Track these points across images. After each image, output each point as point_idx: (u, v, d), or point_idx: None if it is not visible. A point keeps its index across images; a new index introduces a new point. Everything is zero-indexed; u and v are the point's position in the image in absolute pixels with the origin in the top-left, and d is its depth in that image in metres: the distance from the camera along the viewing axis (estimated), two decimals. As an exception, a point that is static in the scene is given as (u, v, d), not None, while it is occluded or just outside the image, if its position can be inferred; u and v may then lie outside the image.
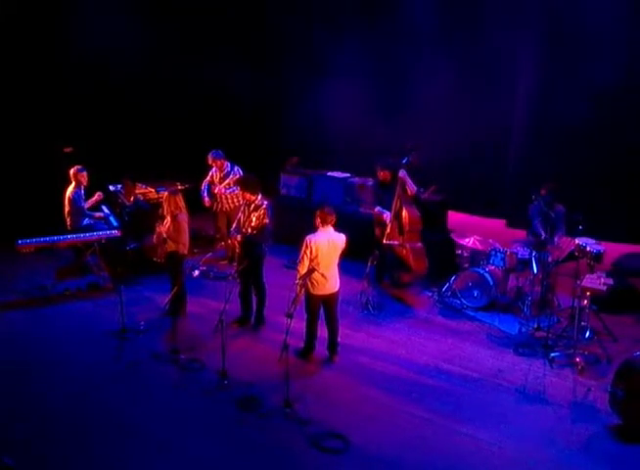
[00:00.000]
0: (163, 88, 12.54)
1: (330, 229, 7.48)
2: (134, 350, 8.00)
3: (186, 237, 8.51)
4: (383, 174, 9.39)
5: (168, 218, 8.41)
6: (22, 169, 11.29)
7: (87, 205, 10.02)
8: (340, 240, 7.52)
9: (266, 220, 8.24)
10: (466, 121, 11.55)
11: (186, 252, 8.62)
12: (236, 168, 10.49)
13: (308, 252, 7.31)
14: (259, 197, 8.29)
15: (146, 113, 12.30)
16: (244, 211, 8.36)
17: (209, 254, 10.69)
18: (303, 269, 7.34)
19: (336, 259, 7.51)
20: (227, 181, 10.38)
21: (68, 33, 11.53)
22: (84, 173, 9.78)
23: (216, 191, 10.43)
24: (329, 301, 7.66)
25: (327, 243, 7.39)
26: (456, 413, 6.78)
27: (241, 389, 7.15)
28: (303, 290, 7.35)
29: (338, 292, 7.70)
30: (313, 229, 7.50)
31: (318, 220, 7.45)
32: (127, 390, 7.21)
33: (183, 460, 6.12)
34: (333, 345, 7.83)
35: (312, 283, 7.42)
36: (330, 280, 7.51)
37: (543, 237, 8.65)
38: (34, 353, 7.93)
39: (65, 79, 11.81)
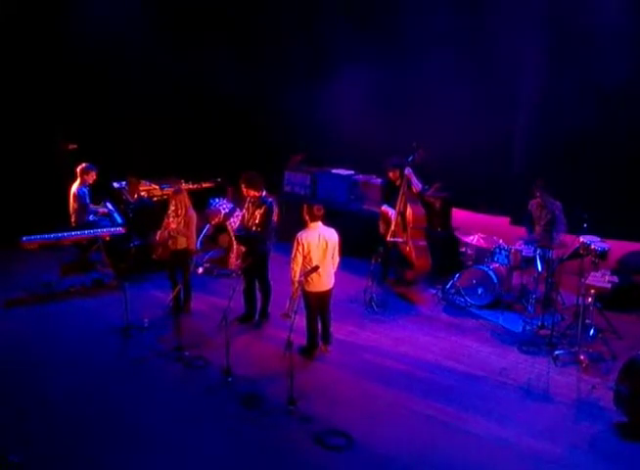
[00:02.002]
0: (168, 86, 12.54)
1: (319, 225, 7.48)
2: (138, 347, 8.02)
3: (195, 232, 8.57)
4: (394, 174, 9.38)
5: (183, 215, 8.40)
6: (26, 166, 11.32)
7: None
8: (330, 235, 7.52)
9: (273, 217, 8.26)
10: (470, 118, 11.50)
11: (194, 247, 8.67)
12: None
13: (300, 249, 7.33)
14: (264, 193, 8.29)
15: (150, 110, 12.31)
16: (248, 209, 8.36)
17: (212, 251, 10.68)
18: (297, 267, 7.35)
19: (329, 256, 7.50)
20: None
21: (70, 33, 11.53)
22: (93, 172, 9.78)
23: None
24: (323, 297, 7.69)
25: (318, 239, 7.40)
26: (460, 411, 6.77)
27: (244, 386, 7.16)
28: (299, 289, 7.37)
29: (332, 289, 7.71)
30: (302, 226, 7.51)
31: (307, 217, 7.45)
32: (131, 387, 7.22)
33: (186, 458, 6.12)
34: (326, 335, 7.87)
35: (307, 281, 7.42)
36: (324, 277, 7.52)
37: (531, 234, 8.97)
38: (38, 350, 7.95)
39: (69, 77, 11.82)
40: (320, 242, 7.41)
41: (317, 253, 7.38)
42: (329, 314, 7.86)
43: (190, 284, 8.72)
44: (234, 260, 10.15)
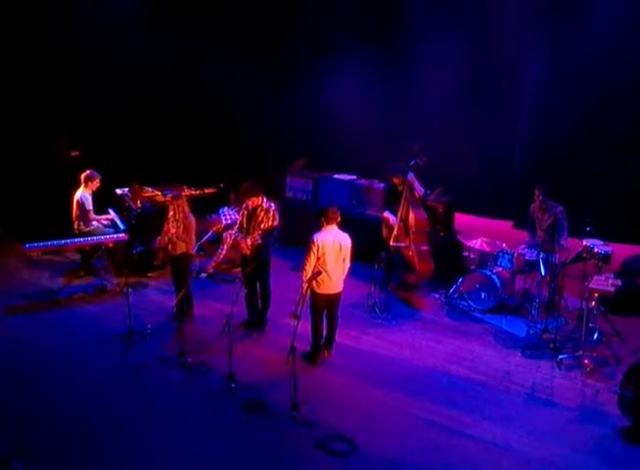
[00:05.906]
0: (169, 92, 12.56)
1: (335, 228, 7.54)
2: (141, 353, 8.02)
3: (194, 237, 8.57)
4: (397, 179, 9.36)
5: (182, 220, 8.41)
6: (29, 173, 11.33)
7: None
8: (344, 239, 7.57)
9: (276, 222, 8.26)
10: (472, 122, 11.53)
11: (193, 252, 8.67)
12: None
13: (315, 249, 7.37)
14: (265, 200, 8.28)
15: (152, 116, 12.33)
16: (247, 216, 8.33)
17: (214, 257, 10.66)
18: (310, 267, 7.39)
19: (340, 259, 7.54)
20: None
21: (71, 40, 11.57)
22: (97, 179, 9.82)
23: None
24: (332, 300, 7.70)
25: (332, 241, 7.46)
26: (463, 415, 6.76)
27: (247, 391, 7.15)
28: (309, 290, 7.37)
29: (341, 292, 7.72)
30: (318, 228, 7.55)
31: (323, 219, 7.51)
32: (134, 393, 7.22)
33: (190, 463, 6.12)
34: (330, 341, 7.89)
35: (317, 282, 7.45)
36: (334, 279, 7.55)
37: (533, 238, 8.94)
38: (41, 357, 7.94)
39: (72, 84, 11.85)
40: (334, 244, 7.46)
41: (331, 255, 7.43)
42: (336, 319, 7.87)
43: (190, 289, 8.68)
44: (213, 265, 10.17)
